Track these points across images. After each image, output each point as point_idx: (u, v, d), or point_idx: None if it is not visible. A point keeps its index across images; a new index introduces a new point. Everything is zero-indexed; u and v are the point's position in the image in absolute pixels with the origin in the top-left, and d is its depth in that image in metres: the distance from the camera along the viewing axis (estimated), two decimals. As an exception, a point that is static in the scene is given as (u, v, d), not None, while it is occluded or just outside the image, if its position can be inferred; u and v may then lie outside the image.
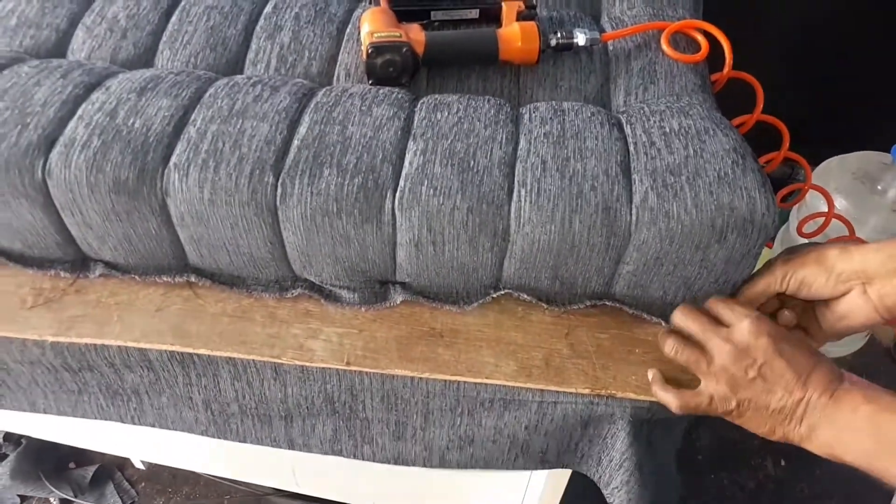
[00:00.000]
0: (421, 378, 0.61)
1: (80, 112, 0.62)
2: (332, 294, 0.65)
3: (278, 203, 0.58)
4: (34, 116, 0.61)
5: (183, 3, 0.80)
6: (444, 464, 0.69)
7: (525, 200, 0.58)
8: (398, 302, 0.65)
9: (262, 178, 0.58)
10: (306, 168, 0.59)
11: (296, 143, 0.61)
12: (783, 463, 1.42)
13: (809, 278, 0.58)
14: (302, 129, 0.62)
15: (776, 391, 0.55)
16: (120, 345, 0.61)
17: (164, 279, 0.65)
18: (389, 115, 0.64)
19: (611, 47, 0.77)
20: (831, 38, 1.34)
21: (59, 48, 0.75)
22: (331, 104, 0.65)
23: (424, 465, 0.70)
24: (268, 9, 0.80)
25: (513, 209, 0.58)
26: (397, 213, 0.59)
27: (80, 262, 0.66)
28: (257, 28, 0.78)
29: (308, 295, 0.65)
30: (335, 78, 0.75)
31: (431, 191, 0.58)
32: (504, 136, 0.63)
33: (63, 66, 0.68)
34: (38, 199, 0.60)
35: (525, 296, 0.63)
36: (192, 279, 0.65)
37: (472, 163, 0.60)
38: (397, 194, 0.58)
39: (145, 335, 0.62)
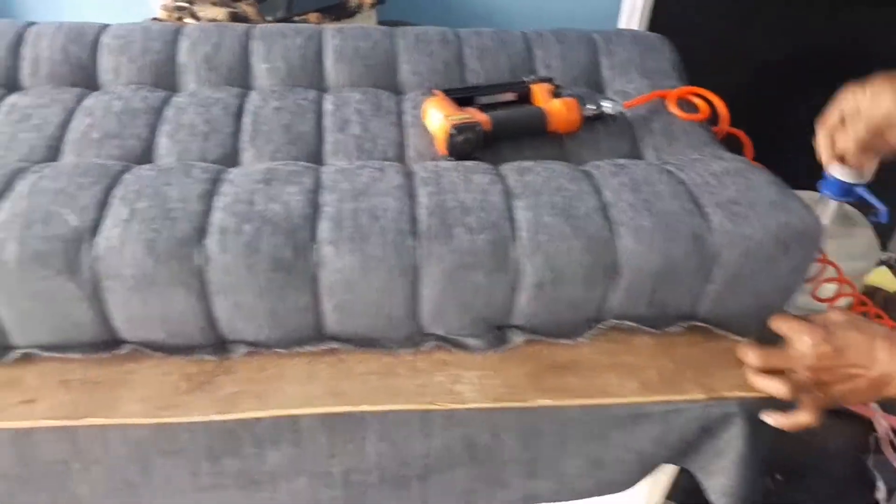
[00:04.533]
0: (558, 407, 0.69)
1: (217, 203, 0.68)
2: (459, 343, 0.72)
3: (422, 263, 0.66)
4: (178, 211, 0.66)
5: (247, 107, 0.88)
6: (574, 494, 0.75)
7: (628, 237, 0.69)
8: (518, 342, 0.72)
9: (404, 243, 0.66)
10: (439, 231, 0.67)
11: (422, 211, 0.69)
12: (779, 477, 1.55)
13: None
14: (423, 200, 0.70)
15: (864, 362, 0.67)
16: (284, 414, 0.65)
17: (307, 349, 0.70)
18: (487, 181, 0.74)
19: (628, 114, 0.91)
20: (758, 90, 1.58)
21: (146, 154, 0.80)
22: (434, 178, 0.74)
23: (554, 500, 0.75)
24: (328, 107, 0.90)
25: (619, 245, 0.69)
26: (523, 259, 0.67)
27: (220, 345, 0.70)
28: (326, 124, 0.87)
29: (439, 346, 0.71)
30: (407, 159, 0.84)
31: (548, 237, 0.68)
32: (588, 189, 0.74)
33: (176, 168, 0.73)
34: (193, 285, 0.64)
35: (628, 322, 0.73)
36: (333, 346, 0.70)
37: (573, 212, 0.70)
38: (521, 244, 0.67)
39: (307, 400, 0.65)
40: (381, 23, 1.59)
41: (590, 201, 0.72)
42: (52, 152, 0.79)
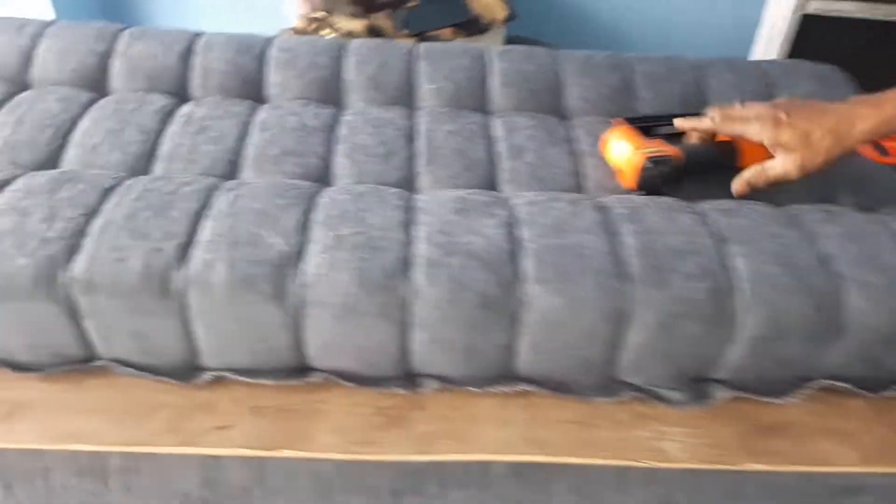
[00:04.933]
0: (770, 472, 0.63)
1: (417, 234, 0.65)
2: (657, 395, 0.67)
3: (633, 309, 0.62)
4: (382, 240, 0.64)
5: (418, 129, 0.86)
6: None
7: (856, 294, 0.63)
8: (721, 398, 0.67)
9: (613, 286, 0.62)
10: (652, 276, 0.63)
11: (629, 252, 0.65)
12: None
13: None
14: (627, 240, 0.66)
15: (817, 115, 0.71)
16: (482, 459, 0.62)
17: (498, 388, 0.66)
18: (690, 221, 0.69)
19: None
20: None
21: (324, 174, 0.79)
22: (634, 216, 0.70)
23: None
24: (499, 132, 0.87)
25: (845, 303, 0.63)
26: (742, 312, 0.63)
27: (410, 378, 0.67)
28: (499, 150, 0.84)
29: (636, 397, 0.67)
30: (584, 190, 0.80)
31: (772, 290, 0.63)
32: (800, 236, 0.69)
33: (369, 193, 0.71)
34: (396, 317, 0.62)
35: (840, 384, 0.67)
36: (525, 388, 0.66)
37: (794, 262, 0.65)
38: (741, 295, 0.63)
39: (504, 447, 0.62)
40: (508, 39, 1.57)
41: (807, 251, 0.67)
42: (232, 167, 0.79)
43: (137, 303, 0.61)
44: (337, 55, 0.94)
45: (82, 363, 0.66)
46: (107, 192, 0.68)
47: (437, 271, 0.62)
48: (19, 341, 0.64)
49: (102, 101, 0.87)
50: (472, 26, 1.45)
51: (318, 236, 0.64)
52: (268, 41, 0.96)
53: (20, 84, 0.90)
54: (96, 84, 0.91)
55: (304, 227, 0.65)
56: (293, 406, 0.65)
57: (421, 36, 1.39)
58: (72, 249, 0.61)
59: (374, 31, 1.37)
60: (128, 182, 0.70)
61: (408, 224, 0.67)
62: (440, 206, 0.69)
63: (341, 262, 0.61)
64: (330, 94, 0.92)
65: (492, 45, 1.46)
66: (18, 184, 0.68)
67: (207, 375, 0.66)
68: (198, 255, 0.61)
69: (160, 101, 0.87)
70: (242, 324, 0.62)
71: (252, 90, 0.92)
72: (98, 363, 0.66)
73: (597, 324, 0.63)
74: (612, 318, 0.63)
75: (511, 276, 0.62)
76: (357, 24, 1.37)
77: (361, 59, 0.94)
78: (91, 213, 0.65)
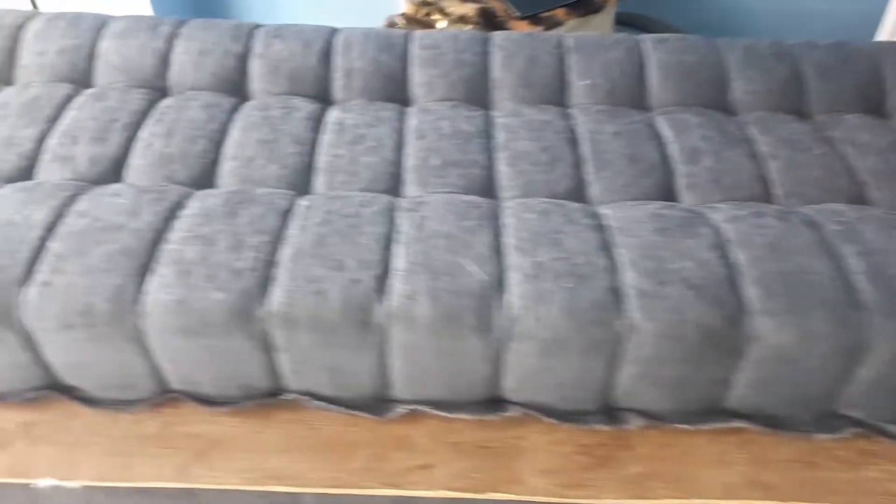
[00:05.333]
0: None
1: (620, 258, 0.60)
2: (881, 430, 0.62)
3: (871, 342, 0.56)
4: (584, 266, 0.59)
5: (580, 131, 0.80)
6: None
7: None
8: (950, 433, 0.62)
9: (846, 317, 0.56)
10: (891, 305, 0.57)
11: (857, 277, 0.59)
12: None
13: None
14: (851, 262, 0.60)
15: None
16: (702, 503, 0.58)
17: (708, 426, 0.62)
18: (914, 239, 0.62)
19: None
20: None
21: (489, 184, 0.74)
22: (846, 232, 0.64)
23: None
24: (666, 132, 0.80)
25: None
26: None
27: (611, 414, 0.63)
28: (672, 153, 0.78)
29: (856, 433, 0.62)
30: (774, 198, 0.74)
31: None
32: None
33: (554, 211, 0.66)
34: (607, 352, 0.57)
35: None
36: (739, 424, 0.62)
37: None
38: None
39: (727, 490, 0.58)
40: (618, 17, 1.48)
41: None
42: (395, 180, 0.74)
43: (336, 336, 0.58)
44: (482, 50, 0.89)
45: (269, 397, 0.63)
46: (285, 214, 0.65)
47: (653, 304, 0.57)
48: (206, 375, 0.62)
49: (247, 108, 0.83)
50: (587, 6, 1.37)
51: (516, 262, 0.60)
52: (407, 36, 0.91)
53: (158, 89, 0.87)
54: (235, 87, 0.87)
55: (497, 252, 0.61)
56: (492, 443, 0.61)
57: (534, 18, 1.32)
58: (265, 281, 0.58)
59: (486, 15, 1.30)
60: (301, 202, 0.67)
61: (607, 247, 0.62)
62: (637, 225, 0.64)
63: (546, 293, 0.57)
64: (477, 93, 0.87)
65: (604, 28, 1.38)
66: (193, 207, 0.65)
67: (401, 409, 0.62)
68: (397, 286, 0.58)
69: (305, 106, 0.83)
70: (442, 357, 0.59)
71: (396, 91, 0.87)
72: (286, 397, 0.63)
73: (829, 358, 0.57)
74: (846, 353, 0.57)
75: (735, 308, 0.57)
76: (468, 8, 1.30)
77: (508, 55, 0.88)
78: (276, 240, 0.62)
